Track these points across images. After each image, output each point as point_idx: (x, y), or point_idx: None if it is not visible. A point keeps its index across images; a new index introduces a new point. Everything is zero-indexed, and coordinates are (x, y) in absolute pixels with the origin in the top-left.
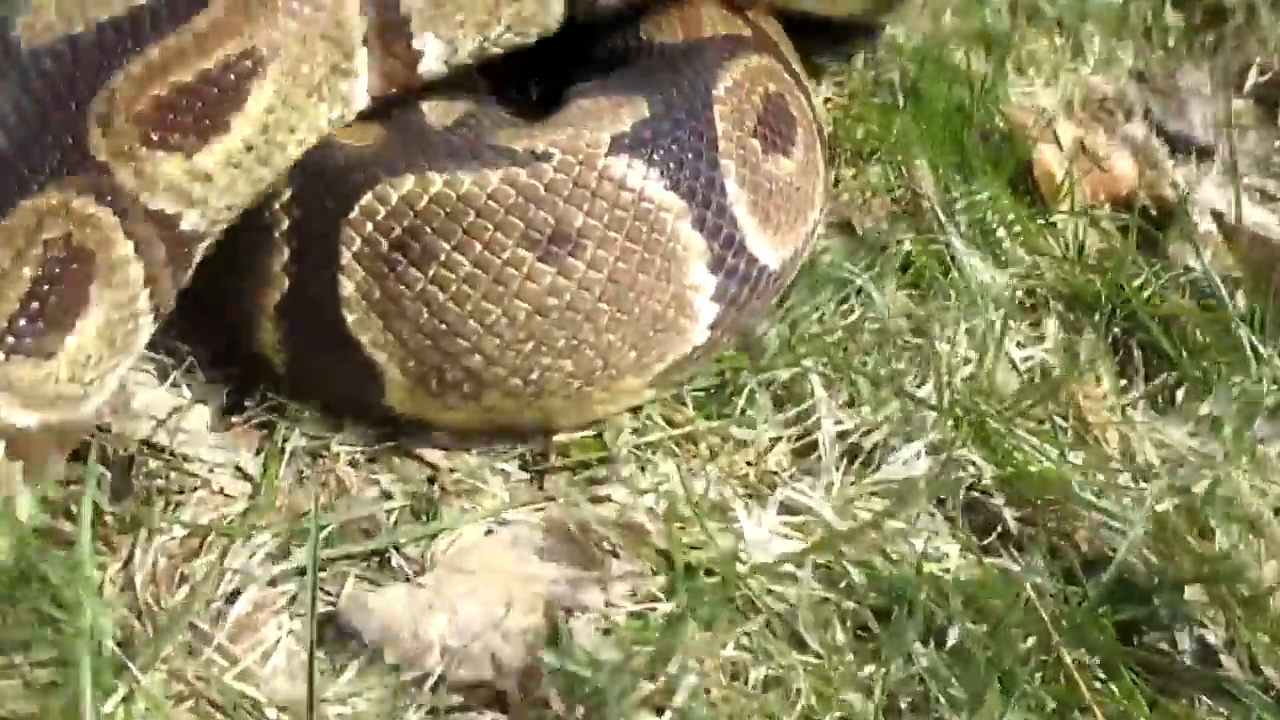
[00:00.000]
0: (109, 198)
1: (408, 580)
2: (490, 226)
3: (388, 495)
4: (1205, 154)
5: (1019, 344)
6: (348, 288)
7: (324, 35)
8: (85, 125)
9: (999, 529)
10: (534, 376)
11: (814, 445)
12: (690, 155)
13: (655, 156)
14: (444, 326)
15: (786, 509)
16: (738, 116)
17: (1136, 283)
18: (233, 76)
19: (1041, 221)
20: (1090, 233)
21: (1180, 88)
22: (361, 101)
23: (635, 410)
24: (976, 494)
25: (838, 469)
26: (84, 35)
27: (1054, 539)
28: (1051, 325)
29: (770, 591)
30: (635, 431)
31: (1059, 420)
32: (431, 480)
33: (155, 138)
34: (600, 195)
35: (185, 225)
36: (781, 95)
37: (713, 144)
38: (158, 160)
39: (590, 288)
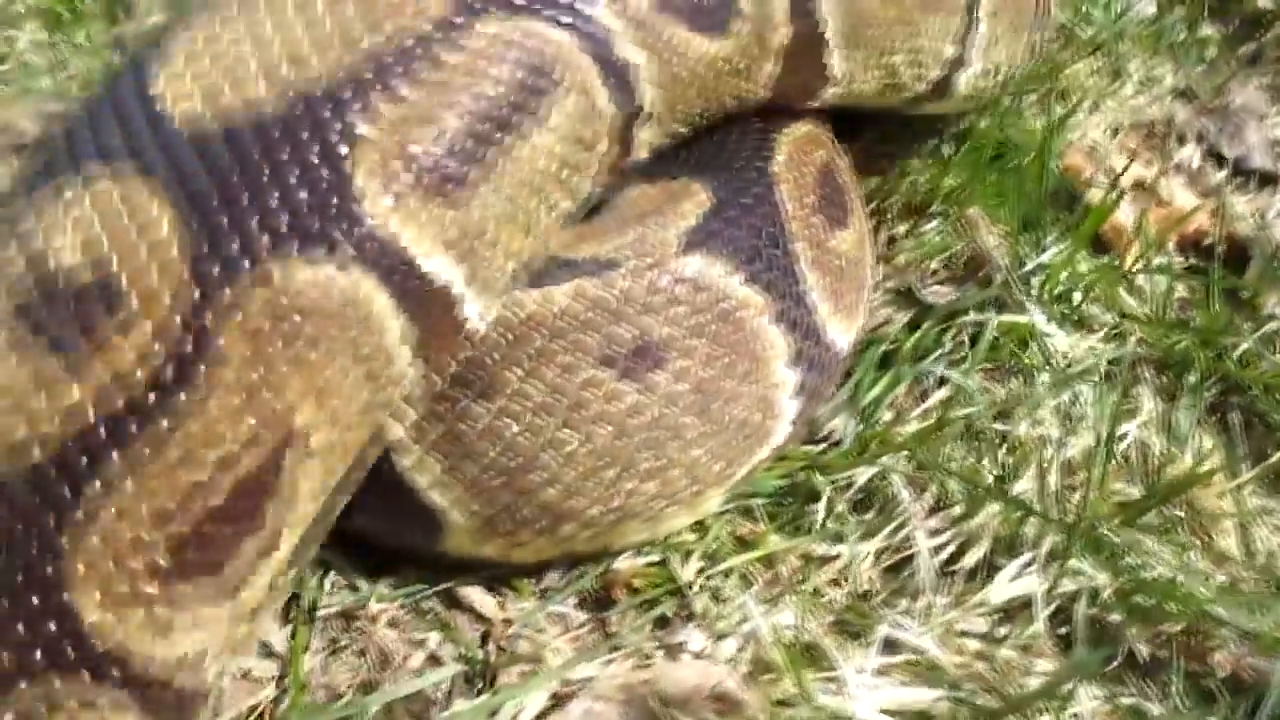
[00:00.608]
0: None
1: None
2: (563, 348)
3: (436, 660)
4: (1268, 180)
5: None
6: (398, 431)
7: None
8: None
9: (1124, 652)
10: (616, 504)
11: (905, 559)
12: (765, 244)
13: (729, 250)
14: (517, 462)
15: (886, 643)
16: (799, 193)
17: (1229, 345)
18: None
19: (1117, 276)
20: (1164, 280)
21: (1232, 107)
22: None
23: (699, 525)
24: (1093, 610)
25: (935, 590)
26: None
27: (1189, 663)
28: (1146, 397)
29: None
30: (704, 556)
31: (1169, 511)
32: (485, 636)
33: None
34: (679, 300)
35: None
36: (832, 162)
37: (783, 228)
38: None
39: (676, 402)
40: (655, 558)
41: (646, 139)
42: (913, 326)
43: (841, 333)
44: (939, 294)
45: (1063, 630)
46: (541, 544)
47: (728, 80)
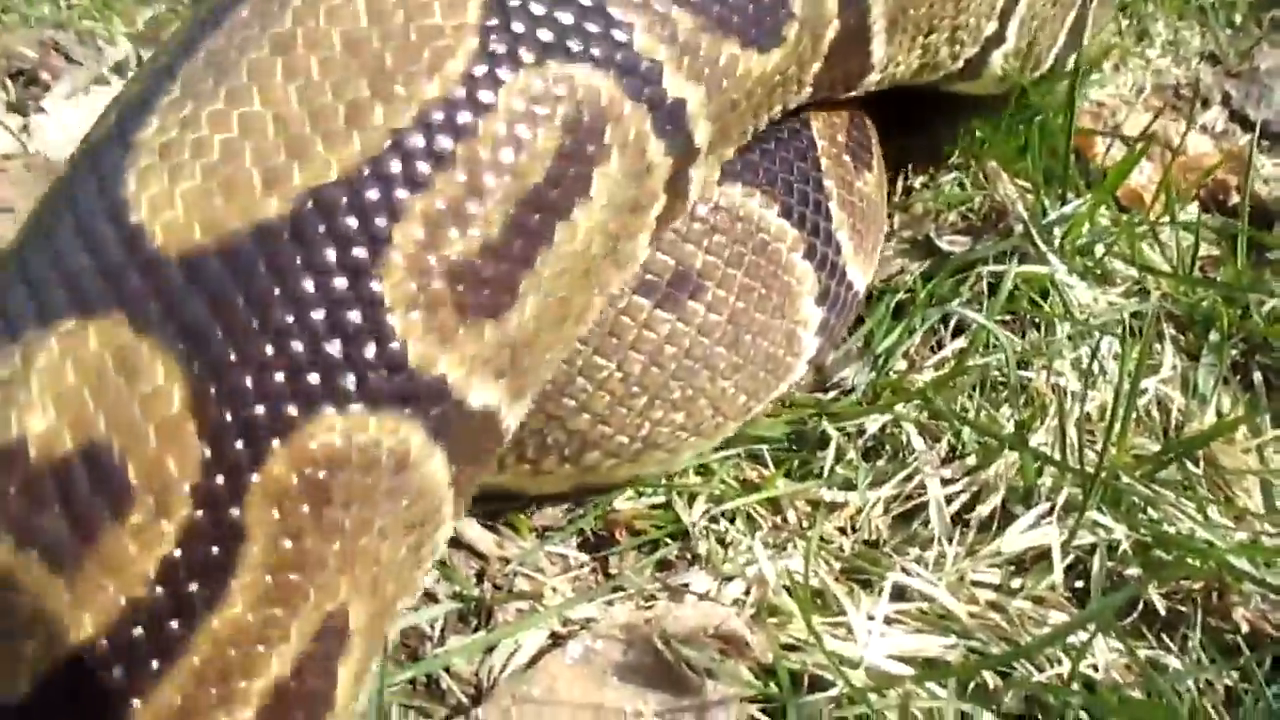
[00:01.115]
0: None
1: (460, 712)
2: None
3: (431, 598)
4: None
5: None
6: None
7: None
8: None
9: (1141, 606)
10: (643, 433)
11: (917, 508)
12: (799, 179)
13: (766, 182)
14: (549, 388)
15: (896, 591)
16: (831, 133)
17: (1255, 302)
18: None
19: (1140, 230)
20: (1187, 237)
21: (1259, 70)
22: None
23: (704, 468)
24: (1111, 563)
25: (949, 539)
26: None
27: (1208, 617)
28: (1168, 353)
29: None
30: (709, 499)
31: (1190, 467)
32: (480, 575)
33: None
34: (718, 229)
35: None
36: (859, 107)
37: (817, 164)
38: None
39: (709, 333)
40: (658, 499)
41: (700, 178)
42: (927, 277)
43: (860, 275)
44: (957, 243)
45: (1078, 584)
46: (564, 472)
47: (778, 92)
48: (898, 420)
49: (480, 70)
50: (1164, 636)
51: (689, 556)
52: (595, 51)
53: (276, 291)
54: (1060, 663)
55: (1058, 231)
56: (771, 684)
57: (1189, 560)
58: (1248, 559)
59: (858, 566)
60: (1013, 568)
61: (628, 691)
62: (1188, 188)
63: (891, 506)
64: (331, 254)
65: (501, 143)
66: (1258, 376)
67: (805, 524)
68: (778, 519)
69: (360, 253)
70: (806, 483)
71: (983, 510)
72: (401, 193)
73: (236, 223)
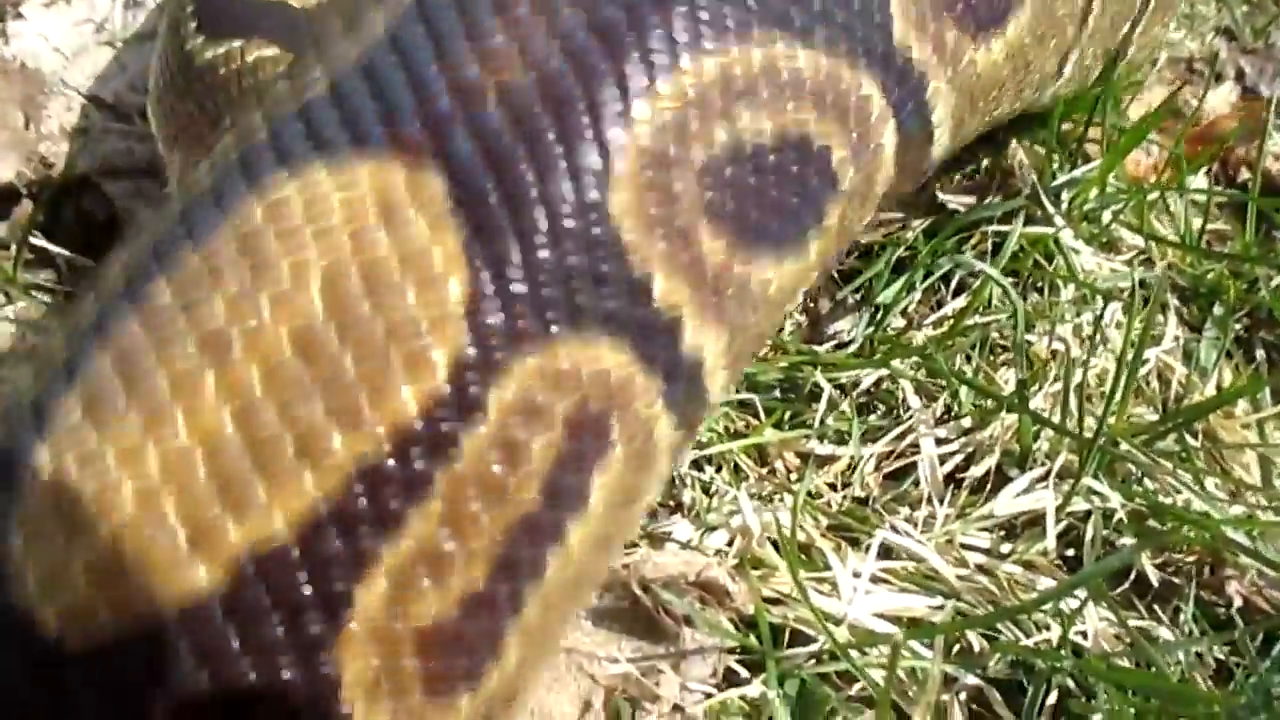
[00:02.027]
0: None
1: None
2: None
3: None
4: None
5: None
6: None
7: None
8: None
9: (1134, 575)
10: None
11: (908, 466)
12: None
13: None
14: None
15: (883, 550)
16: None
17: (1263, 276)
18: None
19: (1148, 196)
20: (1196, 209)
21: (1275, 47)
22: None
23: None
24: (1105, 532)
25: (940, 500)
26: None
27: (1201, 590)
28: (1171, 323)
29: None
30: (694, 445)
31: (1188, 439)
32: None
33: None
34: None
35: None
36: None
37: None
38: None
39: None
40: None
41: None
42: (930, 234)
43: None
44: (961, 201)
45: (1070, 552)
46: None
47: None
48: (894, 376)
49: (467, 371)
50: (1156, 607)
51: (672, 504)
52: (609, 314)
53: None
54: (1049, 628)
55: (1065, 196)
56: (751, 636)
57: (1184, 531)
58: (1244, 532)
59: (845, 523)
60: (1004, 532)
61: (601, 636)
62: (1198, 158)
63: (883, 464)
64: (277, 630)
65: (489, 464)
66: (1260, 352)
67: (794, 476)
68: (765, 470)
69: (313, 626)
70: (796, 433)
71: (976, 472)
72: (365, 542)
73: (152, 603)
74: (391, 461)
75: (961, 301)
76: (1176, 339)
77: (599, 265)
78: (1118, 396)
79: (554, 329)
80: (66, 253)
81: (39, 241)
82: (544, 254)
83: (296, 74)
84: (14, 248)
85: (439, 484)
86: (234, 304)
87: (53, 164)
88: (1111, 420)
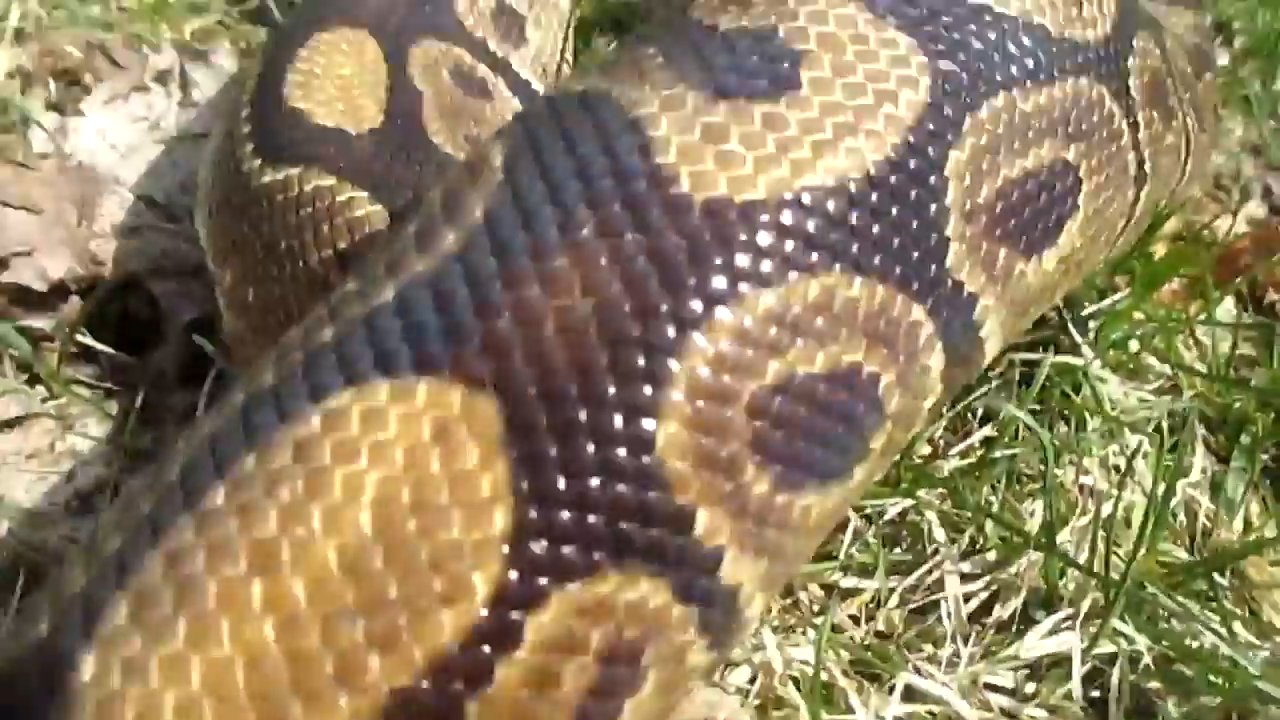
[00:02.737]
0: None
1: None
2: None
3: None
4: None
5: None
6: None
7: None
8: None
9: None
10: None
11: (933, 603)
12: None
13: None
14: None
15: (906, 691)
16: None
17: None
18: None
19: (1177, 326)
20: (1224, 333)
21: None
22: None
23: None
24: (1132, 676)
25: (965, 639)
26: None
27: None
28: (1198, 454)
29: None
30: None
31: (1216, 579)
32: None
33: None
34: None
35: None
36: None
37: None
38: None
39: None
40: None
41: None
42: None
43: None
44: None
45: (1095, 694)
46: None
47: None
48: (920, 507)
49: (507, 600)
50: None
51: None
52: (650, 546)
53: None
54: None
55: (1093, 325)
56: None
57: (1212, 678)
58: (1273, 683)
59: (868, 660)
60: (1029, 672)
61: None
62: (1225, 283)
63: (908, 598)
64: None
65: (521, 692)
66: None
67: (816, 608)
68: (788, 600)
69: None
70: (822, 565)
71: (1002, 612)
72: None
73: None
74: (426, 687)
75: (988, 430)
76: (1204, 470)
77: (644, 498)
78: (1145, 535)
79: (595, 560)
80: (110, 350)
81: (83, 339)
82: (590, 486)
83: (366, 277)
84: (58, 343)
85: (470, 713)
86: (286, 514)
87: (102, 262)
88: (1141, 555)
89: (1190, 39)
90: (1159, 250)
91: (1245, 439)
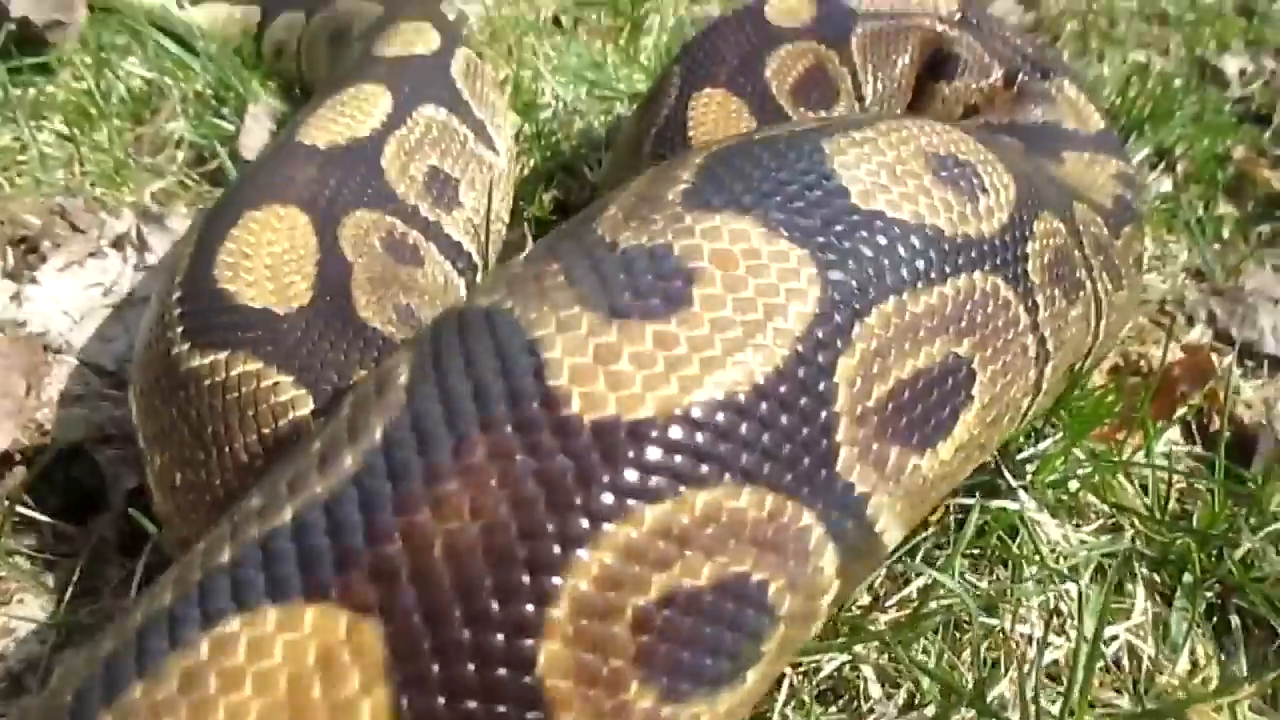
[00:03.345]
0: None
1: None
2: None
3: None
4: (1278, 365)
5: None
6: None
7: None
8: None
9: None
10: None
11: None
12: None
13: None
14: None
15: None
16: None
17: (1234, 552)
18: None
19: (1114, 466)
20: (1168, 462)
21: (1245, 290)
22: None
23: None
24: None
25: None
26: None
27: None
28: (1140, 596)
29: None
30: None
31: None
32: None
33: None
34: None
35: None
36: None
37: None
38: None
39: None
40: None
41: None
42: None
43: None
44: None
45: None
46: None
47: None
48: (856, 663)
49: None
50: None
51: None
52: None
53: None
54: None
55: (1029, 467)
56: None
57: None
58: None
59: None
60: None
61: None
62: (1161, 409)
63: None
64: None
65: None
66: (1235, 620)
67: None
68: None
69: None
70: None
71: None
72: None
73: None
74: None
75: (925, 579)
76: (1145, 612)
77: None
78: (1076, 691)
79: None
80: (51, 520)
81: (25, 510)
82: (471, 708)
83: (268, 494)
84: (1, 515)
85: None
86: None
87: (48, 430)
88: (1078, 705)
89: (1112, 190)
90: (1096, 382)
91: (1188, 578)
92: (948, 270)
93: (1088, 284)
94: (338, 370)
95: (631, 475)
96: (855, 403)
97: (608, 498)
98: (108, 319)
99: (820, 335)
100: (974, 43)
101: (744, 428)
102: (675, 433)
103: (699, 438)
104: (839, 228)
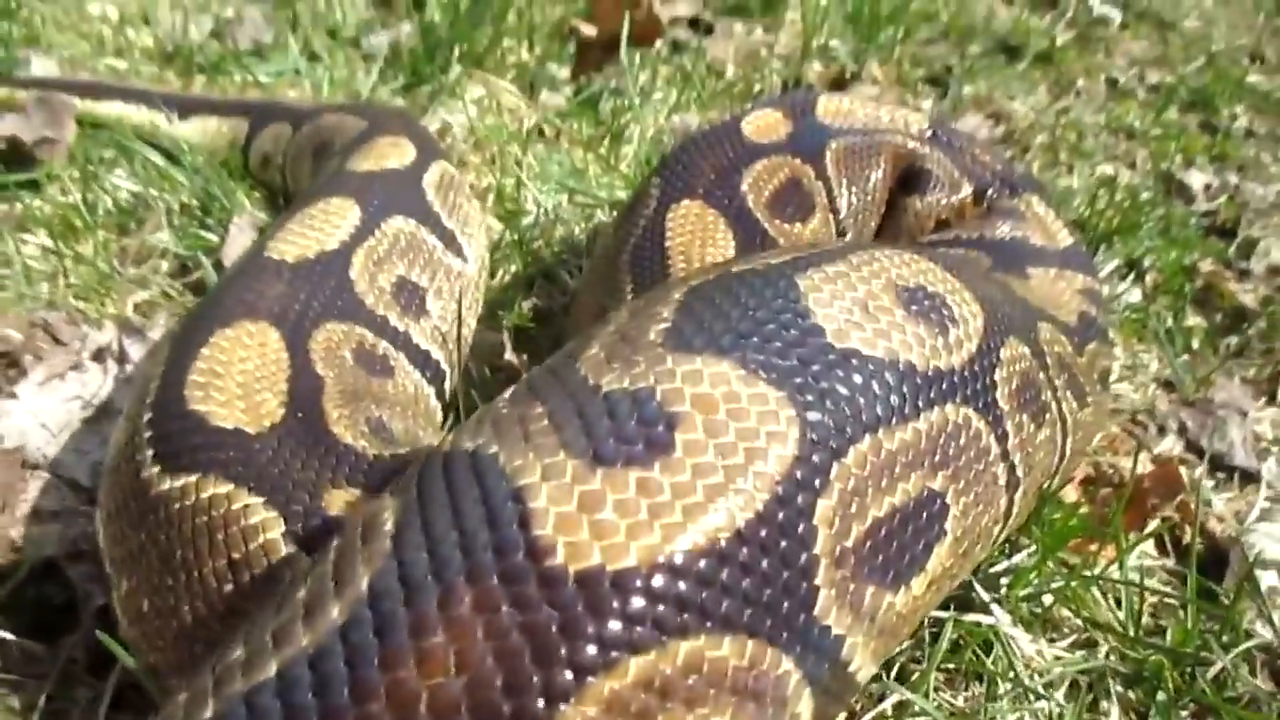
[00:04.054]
0: None
1: None
2: None
3: None
4: (1248, 477)
5: None
6: None
7: None
8: None
9: None
10: None
11: None
12: None
13: None
14: None
15: None
16: None
17: (1207, 670)
18: None
19: (1087, 575)
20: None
21: (1214, 402)
22: None
23: None
24: None
25: None
26: None
27: None
28: (1114, 715)
29: None
30: None
31: None
32: None
33: None
34: None
35: None
36: None
37: None
38: None
39: None
40: None
41: None
42: None
43: None
44: None
45: None
46: None
47: None
48: None
49: None
50: None
51: None
52: None
53: None
54: None
55: (1003, 581)
56: None
57: None
58: None
59: None
60: None
61: None
62: (1132, 522)
63: None
64: None
65: None
66: None
67: None
68: None
69: None
70: None
71: None
72: None
73: None
74: None
75: (899, 696)
76: None
77: None
78: None
79: None
80: (19, 640)
81: None
82: None
83: (252, 644)
84: None
85: None
86: None
87: (21, 547)
88: None
89: (1077, 306)
90: (1069, 496)
91: (1161, 697)
92: (921, 405)
93: (1053, 406)
94: (309, 490)
95: (616, 626)
96: (834, 544)
97: (592, 649)
98: (84, 432)
99: (800, 477)
100: (944, 159)
101: (726, 574)
102: (659, 582)
103: (682, 586)
104: (815, 368)
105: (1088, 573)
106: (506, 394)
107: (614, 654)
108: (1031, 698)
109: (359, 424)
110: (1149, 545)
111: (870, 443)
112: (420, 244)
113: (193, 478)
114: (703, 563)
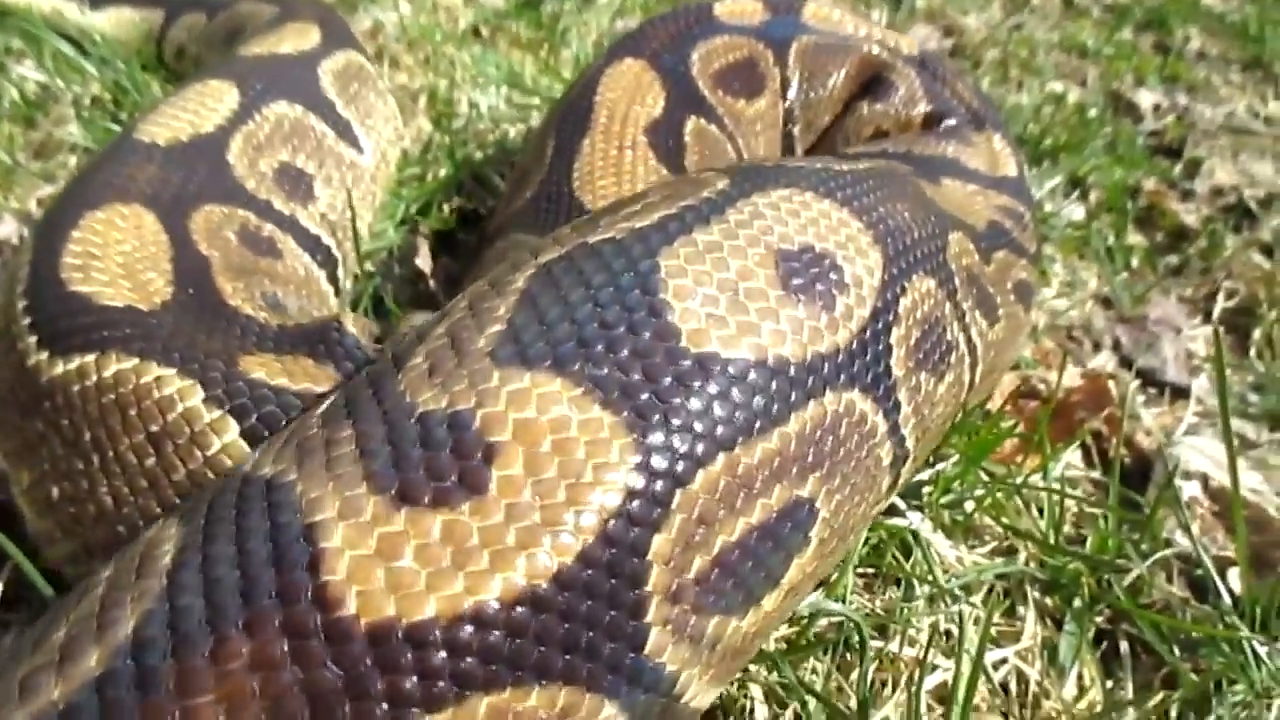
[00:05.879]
0: None
1: None
2: None
3: None
4: (1179, 393)
5: (993, 641)
6: None
7: None
8: None
9: None
10: None
11: None
12: None
13: None
14: None
15: None
16: None
17: (1124, 578)
18: None
19: (1011, 485)
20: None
21: (1150, 319)
22: None
23: None
24: None
25: None
26: None
27: None
28: (1030, 620)
29: None
30: None
31: None
32: None
33: None
34: None
35: None
36: None
37: None
38: None
39: None
40: None
41: None
42: None
43: None
44: None
45: None
46: None
47: None
48: (744, 681)
49: None
50: None
51: None
52: None
53: None
54: None
55: (926, 490)
56: None
57: None
58: None
59: None
60: None
61: None
62: (1059, 432)
63: None
64: None
65: None
66: (1123, 646)
67: None
68: None
69: None
70: None
71: None
72: None
73: None
74: None
75: (816, 597)
76: (1035, 636)
77: None
78: (963, 709)
79: None
80: None
81: None
82: None
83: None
84: None
85: None
86: None
87: None
88: None
89: (989, 215)
90: (995, 405)
91: (1078, 603)
92: (794, 402)
93: (960, 340)
94: (221, 358)
95: (408, 684)
96: (670, 579)
97: (378, 712)
98: None
99: (632, 513)
100: (914, 78)
101: (537, 622)
102: (460, 634)
103: (487, 637)
104: (665, 381)
105: (1011, 481)
106: (319, 409)
107: (405, 715)
108: (948, 600)
109: (255, 298)
110: (1075, 458)
111: (725, 461)
112: (307, 130)
113: (89, 357)
114: (511, 612)
